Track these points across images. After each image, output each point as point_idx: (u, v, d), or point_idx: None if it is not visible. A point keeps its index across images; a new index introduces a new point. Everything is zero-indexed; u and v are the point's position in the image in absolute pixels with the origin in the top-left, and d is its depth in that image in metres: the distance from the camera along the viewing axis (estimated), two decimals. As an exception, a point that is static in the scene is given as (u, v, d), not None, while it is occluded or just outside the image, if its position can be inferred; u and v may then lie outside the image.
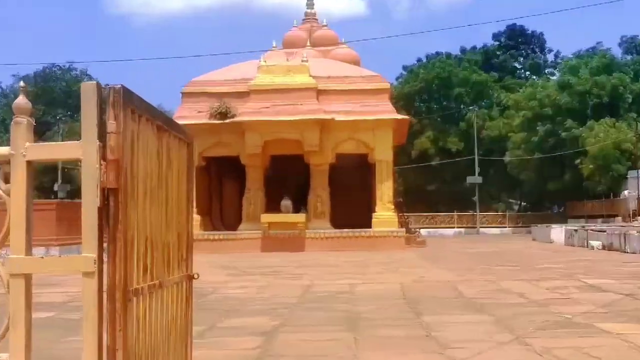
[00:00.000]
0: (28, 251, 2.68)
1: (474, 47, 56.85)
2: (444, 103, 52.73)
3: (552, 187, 43.08)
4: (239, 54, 59.15)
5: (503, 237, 36.12)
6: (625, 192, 37.23)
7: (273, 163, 24.92)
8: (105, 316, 2.62)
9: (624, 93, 42.03)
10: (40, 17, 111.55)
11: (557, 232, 26.52)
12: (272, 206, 23.93)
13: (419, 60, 55.65)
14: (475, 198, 45.97)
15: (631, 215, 34.42)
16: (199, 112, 24.35)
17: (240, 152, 24.07)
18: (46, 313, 7.98)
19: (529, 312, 7.69)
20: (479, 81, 50.60)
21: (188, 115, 24.10)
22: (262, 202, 24.11)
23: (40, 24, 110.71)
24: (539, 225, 32.20)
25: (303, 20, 32.29)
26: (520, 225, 43.91)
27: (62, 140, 10.50)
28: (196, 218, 22.85)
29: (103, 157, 2.61)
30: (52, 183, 44.21)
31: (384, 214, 23.75)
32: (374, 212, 23.90)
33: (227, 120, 23.92)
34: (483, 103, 51.95)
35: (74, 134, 38.47)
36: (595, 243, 21.46)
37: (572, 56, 49.42)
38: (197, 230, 22.72)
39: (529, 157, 43.34)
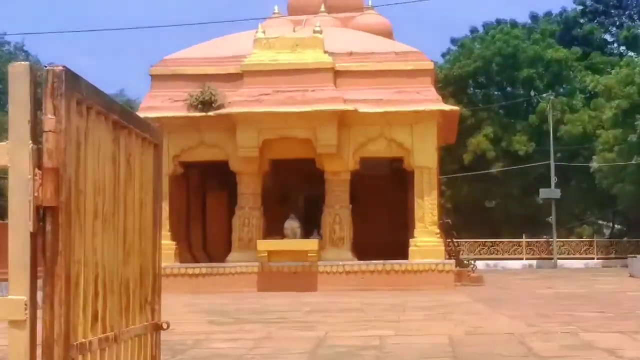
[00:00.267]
0: None
1: (548, 14, 56.74)
2: (508, 89, 52.53)
3: (658, 203, 42.82)
4: (230, 22, 59.39)
5: (589, 272, 35.81)
6: None
7: (274, 170, 24.90)
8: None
9: None
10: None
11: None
12: (273, 229, 23.91)
13: (473, 30, 55.59)
14: (551, 219, 45.70)
15: None
16: (174, 101, 24.41)
17: (229, 156, 24.09)
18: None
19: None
20: (555, 59, 50.42)
21: (159, 105, 24.17)
22: (260, 223, 24.09)
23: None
24: (638, 256, 31.88)
25: (316, -24, 32.42)
26: (613, 255, 43.56)
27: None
28: (169, 245, 22.90)
29: (38, 164, 2.61)
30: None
31: (426, 241, 23.65)
32: (412, 237, 23.82)
33: (212, 112, 23.95)
34: (561, 89, 51.73)
35: (1, 132, 38.68)
36: None
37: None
38: (170, 262, 22.78)
39: (624, 163, 43.07)
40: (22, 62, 2.68)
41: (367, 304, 17.34)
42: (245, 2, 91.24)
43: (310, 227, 24.06)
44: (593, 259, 44.32)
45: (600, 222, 55.67)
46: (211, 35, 28.51)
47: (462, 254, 35.23)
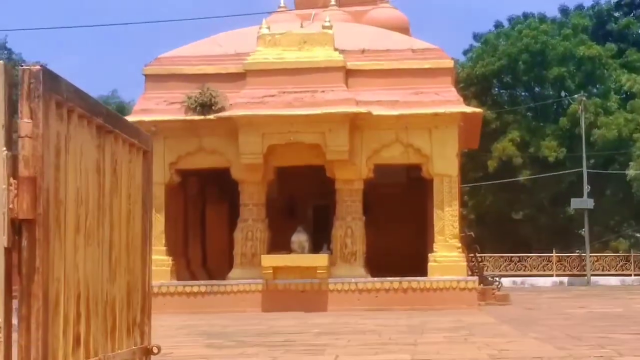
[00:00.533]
0: None
1: (579, 7, 56.76)
2: (536, 90, 52.57)
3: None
4: (231, 18, 59.55)
5: (626, 290, 35.69)
6: None
7: (280, 179, 24.91)
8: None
9: None
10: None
11: None
12: (279, 243, 23.90)
13: (498, 25, 55.65)
14: (584, 231, 45.60)
15: None
16: (170, 103, 24.46)
17: (231, 163, 24.11)
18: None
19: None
20: (588, 57, 50.42)
21: (154, 108, 24.22)
22: (264, 237, 24.09)
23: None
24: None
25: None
26: (652, 271, 43.55)
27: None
28: (165, 261, 22.95)
29: (13, 173, 2.60)
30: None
31: (446, 255, 23.62)
32: (431, 252, 23.78)
33: (212, 116, 23.98)
34: (595, 89, 51.71)
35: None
36: None
37: None
38: (166, 280, 22.83)
39: (664, 170, 43.05)
40: (-4, 61, 2.66)
41: (381, 325, 17.30)
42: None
43: (320, 241, 24.03)
44: (630, 275, 44.23)
45: (638, 235, 55.52)
46: (211, 31, 28.57)
47: (486, 270, 35.17)
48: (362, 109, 23.56)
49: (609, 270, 44.76)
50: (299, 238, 23.76)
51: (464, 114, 24.46)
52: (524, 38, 50.70)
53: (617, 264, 45.53)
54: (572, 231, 49.96)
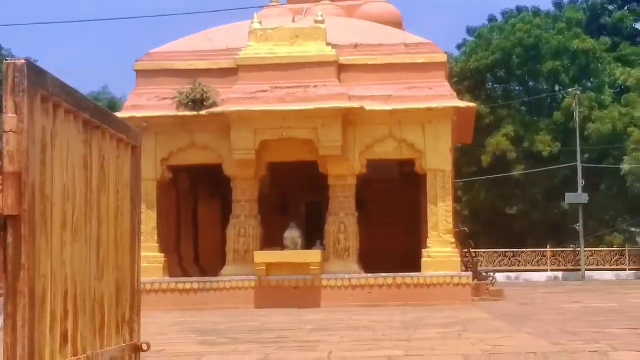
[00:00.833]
0: None
1: (573, 0, 56.76)
2: (530, 84, 52.58)
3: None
4: (223, 12, 59.55)
5: (620, 285, 35.76)
6: None
7: (273, 175, 24.90)
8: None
9: None
10: None
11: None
12: (272, 239, 23.90)
13: (491, 19, 55.65)
14: (579, 226, 45.65)
15: None
16: (162, 99, 24.43)
17: (223, 159, 24.08)
18: None
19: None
20: (582, 51, 50.44)
21: (145, 104, 24.19)
22: (257, 233, 24.08)
23: None
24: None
25: (317, -40, 32.46)
26: (646, 266, 43.63)
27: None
28: (157, 258, 22.95)
29: (-2, 168, 2.59)
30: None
31: (440, 251, 23.62)
32: (425, 247, 23.79)
33: (204, 111, 23.95)
34: (589, 83, 51.73)
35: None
36: None
37: None
38: (158, 276, 22.81)
39: (659, 164, 43.10)
40: (-20, 56, 2.65)
41: (375, 322, 17.31)
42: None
43: (313, 237, 24.03)
44: (625, 270, 44.32)
45: (632, 229, 55.57)
46: (203, 26, 28.52)
47: (481, 266, 35.19)
48: (355, 104, 23.55)
49: (603, 265, 44.85)
50: (292, 234, 23.75)
51: (457, 108, 24.45)
52: (518, 32, 50.70)
53: (611, 259, 45.61)
54: (567, 226, 50.03)
